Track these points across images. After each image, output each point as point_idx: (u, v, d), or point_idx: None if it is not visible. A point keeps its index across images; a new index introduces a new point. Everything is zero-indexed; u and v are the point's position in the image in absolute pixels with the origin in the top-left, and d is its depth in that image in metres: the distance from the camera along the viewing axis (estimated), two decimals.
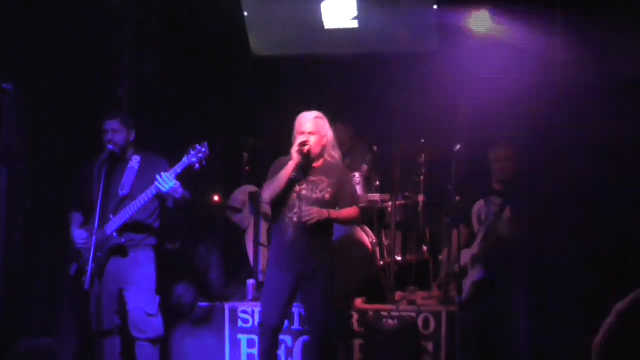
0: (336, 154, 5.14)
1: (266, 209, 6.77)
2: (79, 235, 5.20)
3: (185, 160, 5.00)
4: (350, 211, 5.12)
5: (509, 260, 5.03)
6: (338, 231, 6.27)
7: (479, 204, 5.17)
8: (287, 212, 5.00)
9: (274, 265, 5.08)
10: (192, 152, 4.98)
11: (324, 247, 5.09)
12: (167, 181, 4.97)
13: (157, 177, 4.98)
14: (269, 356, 5.08)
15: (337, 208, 5.06)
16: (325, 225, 5.03)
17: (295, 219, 4.96)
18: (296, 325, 5.77)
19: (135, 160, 5.31)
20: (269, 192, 4.98)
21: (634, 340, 4.25)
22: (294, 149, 4.91)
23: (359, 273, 6.22)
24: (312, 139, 4.96)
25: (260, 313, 5.23)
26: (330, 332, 5.14)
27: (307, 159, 4.97)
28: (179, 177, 5.04)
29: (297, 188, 4.99)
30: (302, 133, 4.97)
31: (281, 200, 5.00)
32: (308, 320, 5.23)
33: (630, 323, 4.24)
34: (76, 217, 5.33)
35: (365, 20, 6.89)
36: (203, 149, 4.99)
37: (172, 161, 5.10)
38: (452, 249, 5.31)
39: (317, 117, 5.03)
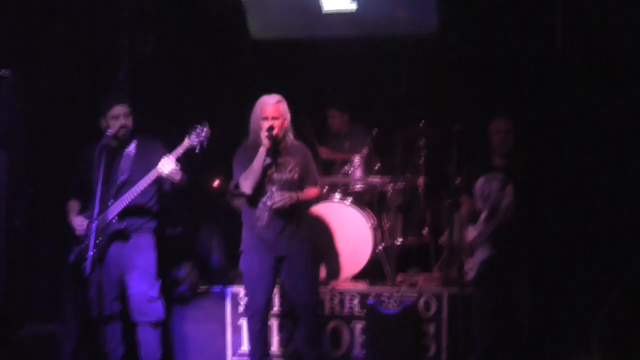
0: (292, 134, 5.20)
1: None
2: (78, 222, 5.17)
3: (186, 141, 4.98)
4: (314, 190, 5.26)
5: (513, 240, 5.04)
6: (339, 214, 6.34)
7: (481, 180, 5.15)
8: (259, 197, 5.07)
9: (251, 249, 5.15)
10: (193, 133, 4.97)
11: (298, 227, 5.16)
12: (168, 163, 4.96)
13: (161, 160, 4.97)
14: (260, 337, 5.16)
15: (303, 186, 5.16)
16: (296, 207, 5.12)
17: (269, 203, 5.03)
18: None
19: (131, 145, 5.27)
20: (248, 183, 5.02)
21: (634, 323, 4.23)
22: (264, 135, 4.95)
23: (360, 255, 6.26)
24: (276, 123, 5.01)
25: (246, 296, 5.30)
26: (315, 306, 5.24)
27: (276, 143, 5.02)
28: (179, 159, 5.02)
29: (268, 172, 5.05)
30: (266, 118, 5.01)
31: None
32: (293, 299, 5.31)
33: (631, 306, 4.23)
34: (73, 206, 5.28)
35: (363, 2, 6.85)
36: (204, 129, 4.98)
37: (172, 144, 5.07)
38: (454, 229, 5.34)
39: (278, 102, 5.07)
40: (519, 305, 5.06)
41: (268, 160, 5.02)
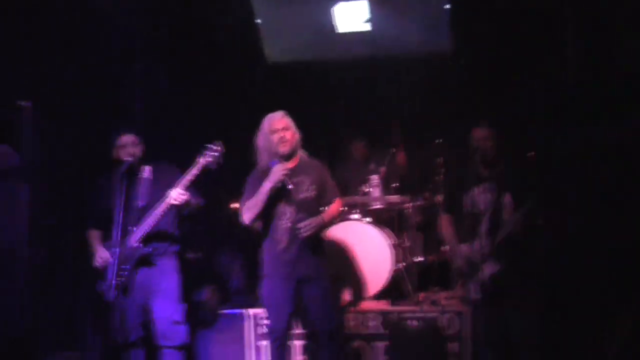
0: (303, 152, 5.13)
1: None
2: (101, 254, 5.20)
3: (201, 161, 5.01)
4: (336, 206, 5.18)
5: (520, 252, 4.89)
6: (358, 233, 6.32)
7: (473, 193, 5.01)
8: (277, 220, 4.98)
9: (271, 275, 5.07)
10: (207, 153, 5.01)
11: (318, 248, 5.08)
12: (177, 196, 5.02)
13: (169, 192, 5.02)
14: (281, 358, 5.09)
15: (321, 203, 5.09)
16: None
17: (288, 225, 4.95)
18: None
19: (147, 171, 5.33)
20: (249, 214, 4.97)
21: None
22: (278, 176, 4.88)
23: (381, 274, 6.24)
24: (288, 134, 4.98)
25: (268, 321, 5.19)
26: (336, 331, 5.12)
27: (284, 184, 4.93)
28: (197, 179, 5.05)
29: (282, 198, 4.96)
30: (276, 130, 4.98)
31: (268, 209, 4.98)
32: (314, 322, 5.16)
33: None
34: (94, 234, 5.34)
35: (377, 22, 6.89)
36: (218, 148, 5.01)
37: (188, 166, 5.09)
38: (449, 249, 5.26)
39: (284, 115, 5.05)
40: (527, 328, 4.87)
41: (276, 191, 4.91)
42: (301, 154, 5.14)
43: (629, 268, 5.36)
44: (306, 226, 4.91)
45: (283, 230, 4.98)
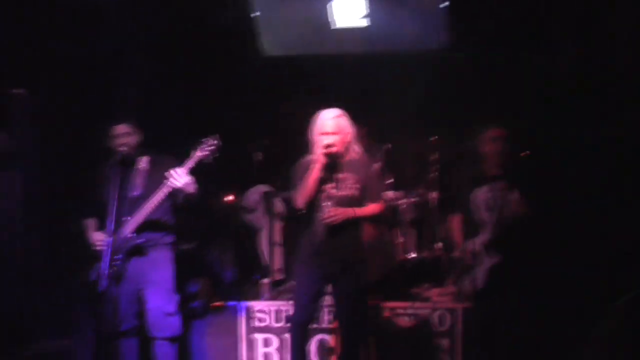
0: (358, 148, 5.05)
1: (279, 208, 6.79)
2: (97, 238, 5.18)
3: (197, 154, 4.99)
4: (375, 207, 5.04)
5: (520, 244, 4.98)
6: None
7: (482, 191, 5.10)
8: (316, 212, 4.92)
9: (303, 263, 5.02)
10: (203, 146, 4.99)
11: (355, 245, 5.01)
12: (180, 176, 4.98)
13: (171, 172, 4.98)
14: (300, 350, 5.04)
15: (364, 203, 5.00)
16: (354, 223, 4.96)
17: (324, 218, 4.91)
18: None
19: (143, 161, 5.31)
20: (301, 198, 4.90)
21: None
22: (320, 151, 4.84)
23: (381, 268, 6.24)
24: (336, 140, 4.89)
25: (292, 308, 5.14)
26: (359, 328, 5.06)
27: (333, 159, 4.90)
28: (191, 173, 5.02)
29: (325, 187, 4.92)
30: (324, 133, 4.89)
31: (314, 199, 4.93)
32: (338, 316, 5.13)
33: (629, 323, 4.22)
34: (91, 223, 5.32)
35: (374, 18, 6.88)
36: (214, 142, 4.99)
37: (184, 159, 5.07)
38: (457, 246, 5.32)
39: (337, 116, 4.94)
40: (520, 322, 4.98)
41: (323, 176, 4.87)
42: (354, 149, 5.02)
43: (623, 265, 5.41)
44: (333, 212, 4.84)
45: (320, 224, 4.90)
